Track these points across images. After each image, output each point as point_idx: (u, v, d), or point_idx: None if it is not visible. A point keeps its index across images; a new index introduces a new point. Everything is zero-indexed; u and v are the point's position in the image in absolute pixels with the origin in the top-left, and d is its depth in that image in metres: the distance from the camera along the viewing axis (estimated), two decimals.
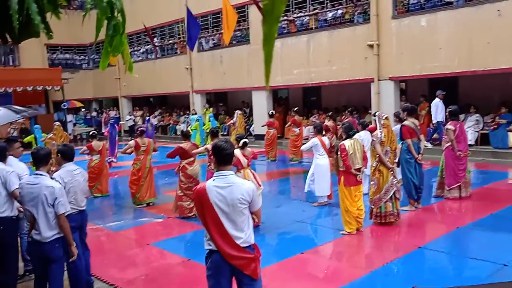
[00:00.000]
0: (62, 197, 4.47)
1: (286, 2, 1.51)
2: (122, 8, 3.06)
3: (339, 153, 6.94)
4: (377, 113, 7.46)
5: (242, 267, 3.59)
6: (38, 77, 23.44)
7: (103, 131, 26.85)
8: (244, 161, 7.35)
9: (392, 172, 7.12)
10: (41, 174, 4.53)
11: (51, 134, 12.99)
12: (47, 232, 4.43)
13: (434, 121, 13.95)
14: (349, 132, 7.09)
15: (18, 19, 2.63)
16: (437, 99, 13.59)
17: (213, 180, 3.64)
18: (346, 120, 10.91)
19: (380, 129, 7.14)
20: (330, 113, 13.49)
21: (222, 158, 3.67)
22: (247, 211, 3.64)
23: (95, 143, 10.57)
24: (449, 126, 8.54)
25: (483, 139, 13.75)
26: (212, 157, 6.73)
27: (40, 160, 4.59)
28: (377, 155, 7.10)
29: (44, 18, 2.74)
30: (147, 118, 19.44)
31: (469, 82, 14.54)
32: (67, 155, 5.20)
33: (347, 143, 6.97)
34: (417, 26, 13.77)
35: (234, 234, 3.57)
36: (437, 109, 13.63)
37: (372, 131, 7.69)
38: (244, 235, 3.61)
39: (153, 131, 16.85)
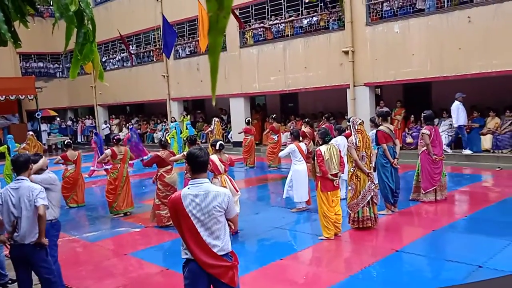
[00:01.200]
0: (42, 194, 4.63)
1: (229, 16, 1.55)
2: (92, 16, 3.04)
3: (315, 158, 6.99)
4: (351, 119, 7.53)
5: (219, 276, 3.57)
6: (10, 86, 22.97)
7: (79, 140, 26.57)
8: (221, 166, 7.32)
9: (370, 177, 7.19)
10: (22, 179, 4.71)
11: (24, 144, 12.78)
12: (28, 234, 4.60)
13: (455, 125, 13.28)
14: (325, 138, 7.15)
15: None
16: (456, 102, 12.94)
17: (188, 188, 3.62)
18: (322, 126, 11.01)
19: (354, 134, 7.21)
20: (306, 119, 13.58)
21: (196, 165, 3.64)
22: (223, 218, 3.62)
23: (70, 153, 10.39)
24: (425, 130, 8.69)
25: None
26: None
27: (20, 167, 4.77)
28: (353, 161, 7.17)
29: (11, 27, 2.69)
30: (130, 127, 19.05)
31: (442, 87, 14.84)
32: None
33: (323, 148, 7.03)
34: (390, 32, 14.02)
35: (210, 242, 3.54)
36: (458, 112, 12.99)
37: (348, 136, 7.77)
38: (221, 243, 3.58)
39: (138, 138, 16.42)
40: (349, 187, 7.29)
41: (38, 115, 23.90)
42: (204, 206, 3.52)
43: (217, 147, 7.43)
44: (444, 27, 12.85)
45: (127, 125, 24.50)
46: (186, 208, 3.53)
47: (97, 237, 8.15)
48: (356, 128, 7.19)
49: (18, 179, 4.73)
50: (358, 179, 7.15)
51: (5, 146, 13.54)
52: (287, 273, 5.97)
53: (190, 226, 3.53)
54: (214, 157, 7.27)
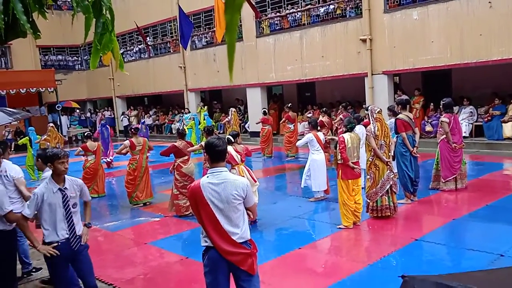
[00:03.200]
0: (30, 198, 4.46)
1: None
2: (110, 5, 3.05)
3: (338, 145, 6.97)
4: (369, 107, 7.46)
5: (238, 263, 3.60)
6: (31, 79, 23.35)
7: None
8: (237, 156, 7.33)
9: (389, 166, 7.14)
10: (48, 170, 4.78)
11: (45, 136, 12.97)
12: None
13: None
14: (348, 126, 7.12)
15: (3, 19, 2.61)
16: None
17: (207, 177, 3.65)
18: (341, 115, 10.93)
19: (373, 123, 7.14)
20: (324, 109, 13.51)
21: (215, 155, 3.67)
22: (241, 206, 3.65)
23: (89, 144, 10.54)
24: (444, 118, 8.56)
25: (477, 131, 13.82)
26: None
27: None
28: (372, 149, 7.12)
29: (29, 18, 2.72)
30: (142, 120, 19.41)
31: (462, 74, 14.60)
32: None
33: (346, 136, 6.99)
34: (409, 19, 13.80)
35: (229, 230, 3.58)
36: None
37: (366, 125, 7.70)
38: (240, 231, 3.61)
39: (147, 131, 16.82)
40: (368, 176, 7.25)
41: (58, 107, 24.24)
42: (223, 194, 3.55)
43: (227, 141, 7.38)
44: (464, 13, 12.59)
45: (145, 117, 24.75)
46: (205, 196, 3.56)
47: (118, 226, 8.27)
48: (375, 116, 7.13)
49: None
50: (377, 168, 7.11)
51: (27, 138, 13.79)
52: (306, 262, 5.99)
53: (209, 214, 3.57)
54: (229, 148, 7.26)
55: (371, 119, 7.20)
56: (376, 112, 7.17)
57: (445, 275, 2.08)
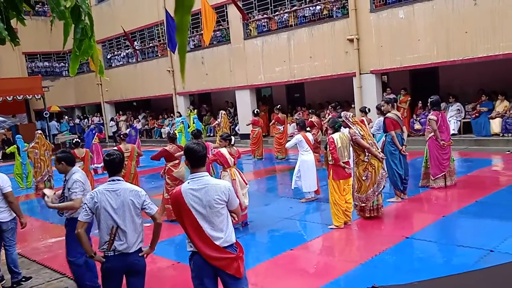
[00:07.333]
0: (149, 199, 4.27)
1: None
2: (89, 11, 3.02)
3: (328, 146, 6.96)
4: (342, 114, 7.37)
5: (224, 267, 3.59)
6: (17, 86, 23.12)
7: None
8: (230, 159, 7.31)
9: (382, 163, 7.16)
10: (119, 180, 4.24)
11: (33, 143, 12.83)
12: (135, 241, 4.15)
13: None
14: (335, 126, 7.12)
15: None
16: None
17: (188, 183, 3.63)
18: (330, 116, 10.94)
19: (353, 125, 7.06)
20: (311, 110, 13.55)
21: (195, 160, 3.64)
22: (224, 210, 3.63)
23: (78, 151, 10.48)
24: (432, 116, 8.61)
25: (465, 128, 13.93)
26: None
27: (118, 166, 4.32)
28: (365, 150, 7.03)
29: (7, 25, 2.68)
30: (133, 125, 19.31)
31: (449, 72, 14.71)
32: None
33: (335, 136, 7.00)
34: (395, 18, 13.88)
35: (213, 235, 3.56)
36: None
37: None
38: (224, 235, 3.60)
39: (136, 136, 16.71)
40: (363, 177, 7.09)
41: (46, 114, 24.06)
42: (204, 200, 3.54)
43: (232, 142, 7.41)
44: (450, 11, 12.70)
45: (135, 122, 24.60)
46: (187, 202, 3.55)
47: None
48: (351, 121, 7.10)
49: (114, 180, 4.21)
50: (373, 167, 7.05)
51: (15, 146, 13.65)
52: (298, 263, 5.98)
53: (192, 220, 3.57)
54: (224, 151, 7.27)
55: (350, 125, 7.12)
56: (351, 116, 7.18)
57: (416, 283, 2.08)
